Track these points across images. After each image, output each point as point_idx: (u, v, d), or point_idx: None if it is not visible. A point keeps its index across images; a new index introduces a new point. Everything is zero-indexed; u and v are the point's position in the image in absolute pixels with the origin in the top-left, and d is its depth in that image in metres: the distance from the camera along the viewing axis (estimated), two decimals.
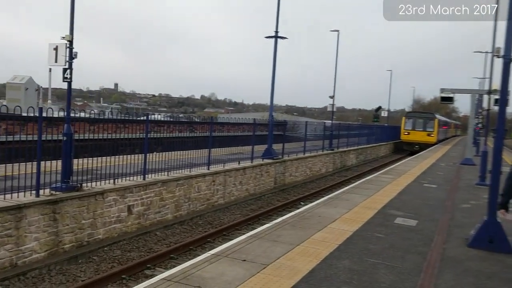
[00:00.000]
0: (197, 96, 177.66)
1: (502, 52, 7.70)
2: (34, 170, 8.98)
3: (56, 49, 9.83)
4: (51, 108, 14.20)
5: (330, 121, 28.07)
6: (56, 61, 9.88)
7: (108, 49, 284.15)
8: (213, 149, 15.88)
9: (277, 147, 20.42)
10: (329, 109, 27.24)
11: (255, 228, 9.64)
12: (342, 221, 9.33)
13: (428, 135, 43.79)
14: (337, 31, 27.51)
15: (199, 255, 7.30)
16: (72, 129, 9.89)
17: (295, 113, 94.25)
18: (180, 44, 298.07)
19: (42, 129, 9.16)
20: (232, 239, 8.28)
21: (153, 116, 51.22)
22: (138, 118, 13.62)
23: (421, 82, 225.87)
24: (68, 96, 10.16)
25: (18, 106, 10.47)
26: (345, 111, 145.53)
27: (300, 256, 6.74)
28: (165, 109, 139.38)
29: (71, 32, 9.74)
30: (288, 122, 40.50)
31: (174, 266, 7.30)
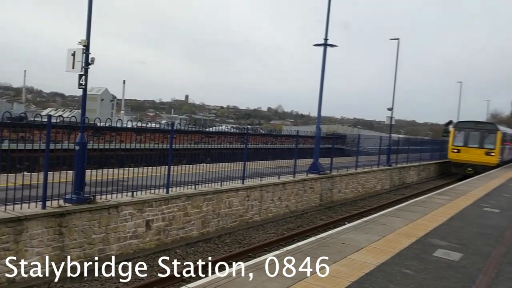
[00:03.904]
0: (264, 108, 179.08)
1: None
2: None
3: (74, 55, 9.43)
4: (120, 119, 14.48)
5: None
6: (73, 67, 9.45)
7: (181, 62, 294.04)
8: (254, 162, 15.05)
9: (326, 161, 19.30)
10: (386, 122, 25.51)
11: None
12: (368, 251, 7.99)
13: (487, 153, 31.61)
14: (397, 39, 25.79)
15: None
16: (85, 138, 9.42)
17: (359, 126, 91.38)
18: (247, 56, 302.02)
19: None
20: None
21: (219, 127, 51.49)
22: (162, 128, 12.99)
23: (501, 96, 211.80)
24: (83, 104, 9.71)
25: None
26: (416, 125, 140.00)
27: None
28: (232, 120, 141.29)
29: (87, 36, 9.27)
30: (347, 136, 39.13)
31: None
